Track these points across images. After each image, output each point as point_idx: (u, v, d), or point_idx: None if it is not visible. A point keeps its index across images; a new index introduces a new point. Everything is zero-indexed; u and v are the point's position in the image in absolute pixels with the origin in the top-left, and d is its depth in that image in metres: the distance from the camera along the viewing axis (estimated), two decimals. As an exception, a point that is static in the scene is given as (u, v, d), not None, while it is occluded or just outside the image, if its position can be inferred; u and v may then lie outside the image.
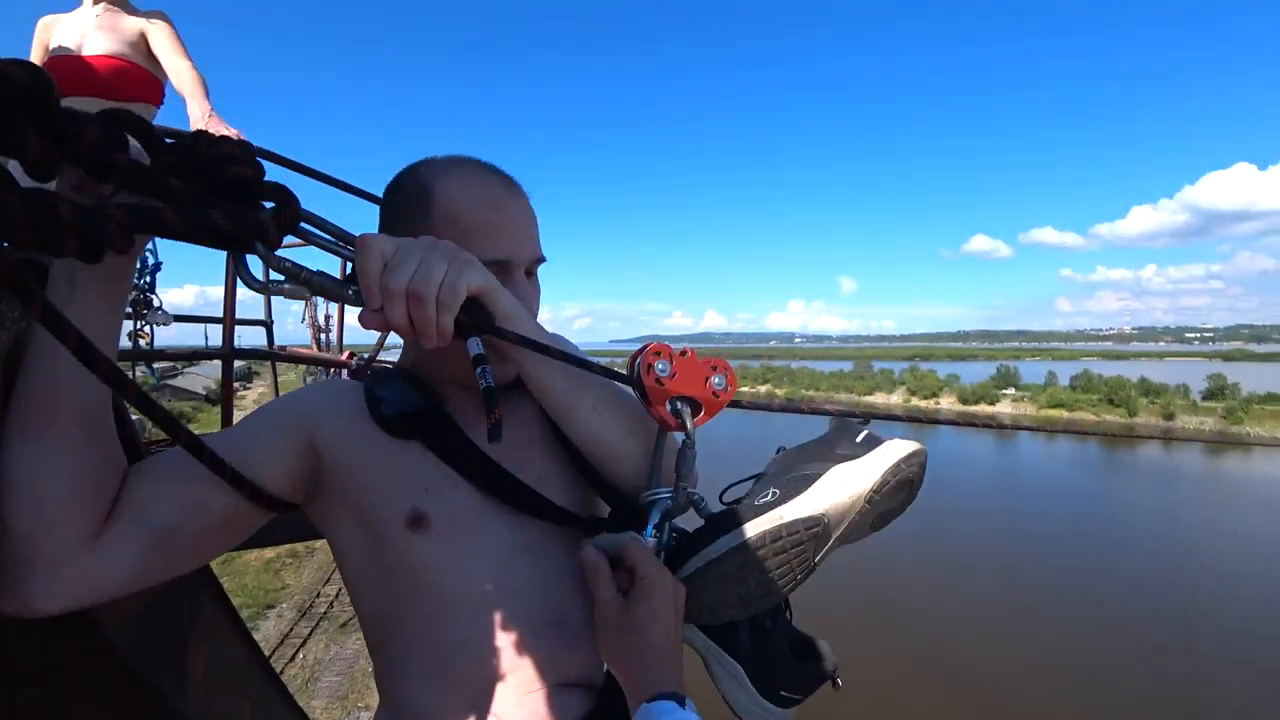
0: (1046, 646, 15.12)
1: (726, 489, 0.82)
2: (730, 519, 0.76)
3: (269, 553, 18.80)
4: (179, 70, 2.21)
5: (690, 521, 0.80)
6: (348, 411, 0.77)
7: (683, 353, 0.74)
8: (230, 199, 0.51)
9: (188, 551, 0.65)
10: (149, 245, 2.92)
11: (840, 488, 0.74)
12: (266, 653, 1.41)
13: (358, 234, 0.61)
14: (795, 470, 0.79)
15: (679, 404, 0.73)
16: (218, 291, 2.81)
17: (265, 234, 0.50)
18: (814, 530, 0.73)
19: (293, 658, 13.83)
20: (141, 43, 2.25)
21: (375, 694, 0.81)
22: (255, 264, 0.54)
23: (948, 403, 71.08)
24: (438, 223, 0.73)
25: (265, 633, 14.30)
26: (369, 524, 0.75)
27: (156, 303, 2.83)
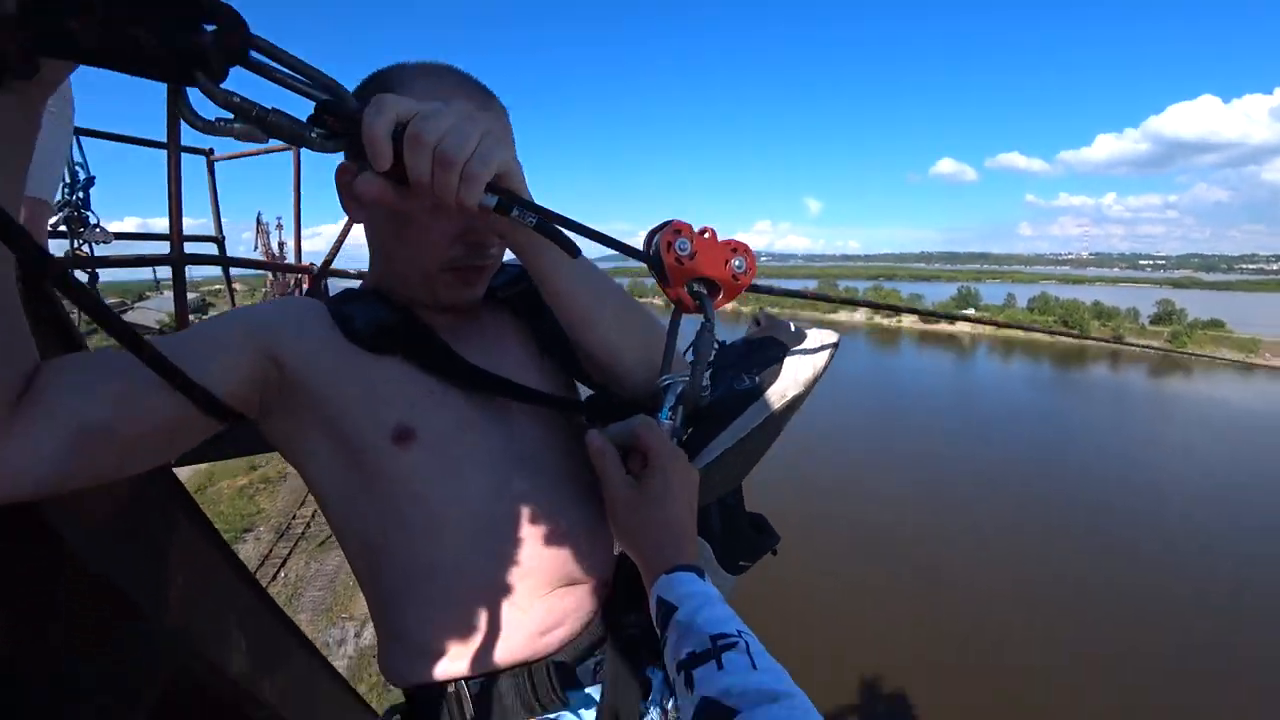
0: (1002, 548, 16.34)
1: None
2: (747, 398, 0.79)
3: (242, 479, 18.84)
4: None
5: None
6: (313, 327, 0.72)
7: (703, 232, 0.71)
8: (164, 13, 0.40)
9: (116, 456, 0.57)
10: (79, 159, 2.66)
11: (803, 368, 0.82)
12: (246, 572, 1.37)
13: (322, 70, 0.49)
14: (754, 357, 0.84)
15: (698, 286, 0.71)
16: (161, 224, 2.52)
17: (205, 61, 0.40)
18: (797, 405, 0.81)
19: (274, 577, 14.13)
20: None
21: (359, 603, 0.78)
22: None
23: (909, 322, 72.46)
24: None
25: (245, 555, 14.54)
26: (348, 443, 0.70)
27: (93, 220, 2.64)
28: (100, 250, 2.71)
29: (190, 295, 2.52)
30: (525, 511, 0.74)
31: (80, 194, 2.58)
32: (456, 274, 0.73)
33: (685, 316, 0.75)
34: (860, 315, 75.41)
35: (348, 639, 12.06)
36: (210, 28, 0.41)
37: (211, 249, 4.21)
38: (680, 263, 0.69)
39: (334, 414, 0.70)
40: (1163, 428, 29.75)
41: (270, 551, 15.27)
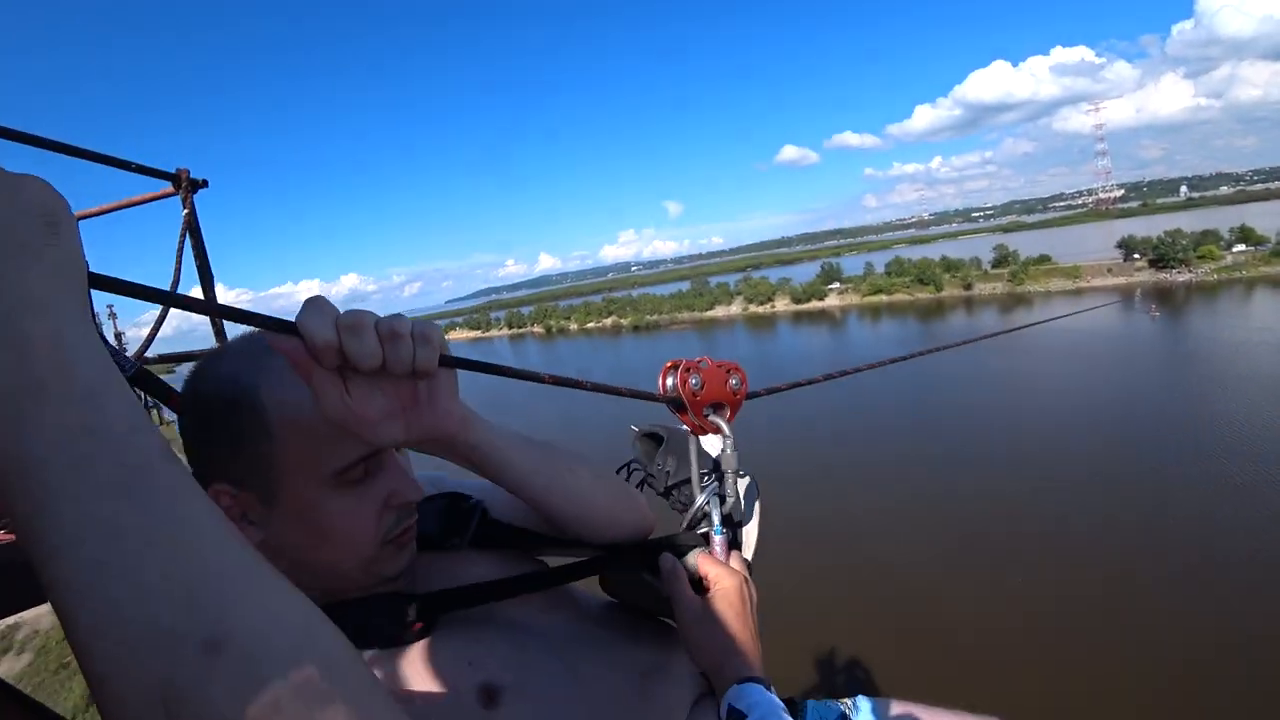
0: (885, 493, 16.68)
1: (701, 500, 0.88)
2: (751, 492, 0.92)
3: None
4: None
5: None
6: None
7: (700, 362, 0.81)
8: None
9: None
10: None
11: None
12: None
13: None
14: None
15: (710, 411, 0.81)
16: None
17: None
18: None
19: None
20: None
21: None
22: None
23: (782, 305, 74.74)
24: (282, 437, 0.60)
25: None
26: None
27: None
28: None
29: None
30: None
31: None
32: (395, 543, 0.68)
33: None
34: (735, 307, 76.89)
35: None
36: None
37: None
38: (696, 396, 0.79)
39: None
40: (1014, 359, 31.55)
41: None
